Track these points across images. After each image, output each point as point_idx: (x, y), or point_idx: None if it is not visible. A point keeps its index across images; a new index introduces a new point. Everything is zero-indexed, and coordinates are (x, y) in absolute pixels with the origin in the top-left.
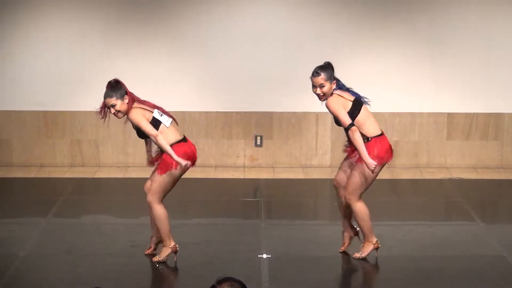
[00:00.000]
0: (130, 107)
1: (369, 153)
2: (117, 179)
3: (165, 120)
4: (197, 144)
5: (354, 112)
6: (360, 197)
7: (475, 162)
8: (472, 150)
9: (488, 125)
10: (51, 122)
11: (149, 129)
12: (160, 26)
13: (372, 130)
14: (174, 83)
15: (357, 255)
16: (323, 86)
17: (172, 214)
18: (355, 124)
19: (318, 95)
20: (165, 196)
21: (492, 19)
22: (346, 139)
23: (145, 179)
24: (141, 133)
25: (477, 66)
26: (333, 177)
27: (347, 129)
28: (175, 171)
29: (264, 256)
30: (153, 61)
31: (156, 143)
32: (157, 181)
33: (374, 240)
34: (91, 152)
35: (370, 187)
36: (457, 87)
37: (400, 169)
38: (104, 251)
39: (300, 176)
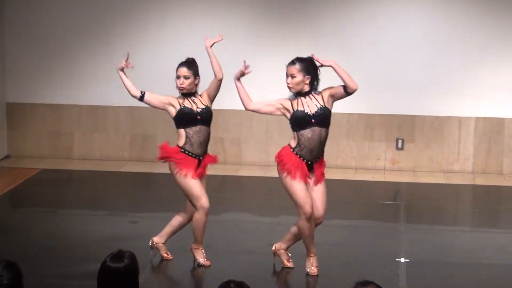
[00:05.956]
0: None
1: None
2: (258, 178)
3: None
4: (338, 146)
5: None
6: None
7: None
8: None
9: None
10: None
11: None
12: (305, 25)
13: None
14: None
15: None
16: (294, 77)
17: None
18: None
19: (287, 84)
20: None
21: None
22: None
23: None
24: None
25: None
26: (475, 183)
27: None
28: None
29: (403, 260)
30: None
31: None
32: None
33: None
34: (233, 150)
35: None
36: None
37: None
38: (243, 248)
39: (441, 180)
